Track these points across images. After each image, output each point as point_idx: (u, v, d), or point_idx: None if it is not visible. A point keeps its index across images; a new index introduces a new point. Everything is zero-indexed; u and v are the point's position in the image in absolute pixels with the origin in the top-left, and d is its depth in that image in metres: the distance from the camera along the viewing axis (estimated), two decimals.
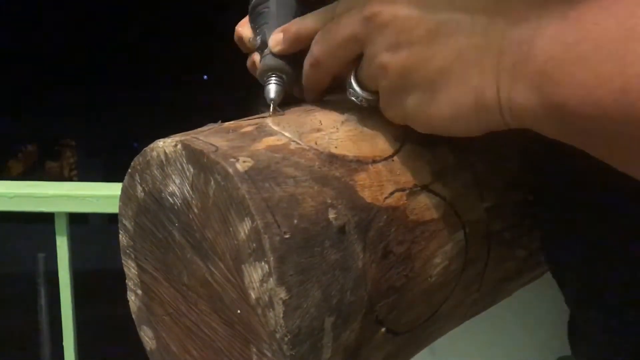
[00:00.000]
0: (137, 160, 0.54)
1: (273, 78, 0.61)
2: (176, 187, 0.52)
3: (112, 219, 0.79)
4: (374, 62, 0.52)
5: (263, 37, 0.63)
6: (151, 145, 0.53)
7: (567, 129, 0.45)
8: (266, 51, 0.62)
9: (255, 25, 0.66)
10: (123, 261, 0.58)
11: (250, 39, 0.68)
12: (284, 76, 0.61)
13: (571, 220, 0.56)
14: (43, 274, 4.03)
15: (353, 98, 0.56)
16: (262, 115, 0.57)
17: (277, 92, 0.60)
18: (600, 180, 0.49)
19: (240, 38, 0.70)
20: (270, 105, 0.59)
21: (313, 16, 0.59)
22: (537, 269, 0.67)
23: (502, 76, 0.47)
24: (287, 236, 0.48)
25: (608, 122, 0.42)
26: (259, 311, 0.48)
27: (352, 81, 0.55)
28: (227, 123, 0.56)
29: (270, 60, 0.61)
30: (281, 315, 0.47)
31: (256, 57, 0.65)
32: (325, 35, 0.56)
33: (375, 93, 0.55)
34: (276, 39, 0.61)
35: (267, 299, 0.48)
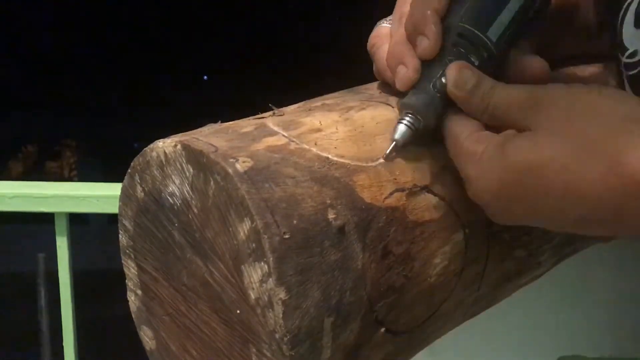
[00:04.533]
0: (137, 161, 0.54)
1: (408, 118, 0.55)
2: (176, 187, 0.52)
3: (112, 219, 0.79)
4: None
5: (441, 75, 0.54)
6: (151, 146, 0.53)
7: None
8: (421, 86, 0.55)
9: (447, 48, 0.55)
10: (123, 261, 0.58)
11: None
12: (421, 120, 0.55)
13: None
14: (43, 274, 4.03)
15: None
16: (262, 115, 0.57)
17: (403, 136, 0.54)
18: None
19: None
20: (391, 143, 0.54)
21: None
22: (537, 269, 0.67)
23: None
24: (286, 236, 0.48)
25: None
26: (259, 311, 0.49)
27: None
28: (227, 123, 0.56)
29: (418, 101, 0.55)
30: (280, 315, 0.47)
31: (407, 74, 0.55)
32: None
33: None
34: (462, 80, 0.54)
35: (266, 299, 0.48)
